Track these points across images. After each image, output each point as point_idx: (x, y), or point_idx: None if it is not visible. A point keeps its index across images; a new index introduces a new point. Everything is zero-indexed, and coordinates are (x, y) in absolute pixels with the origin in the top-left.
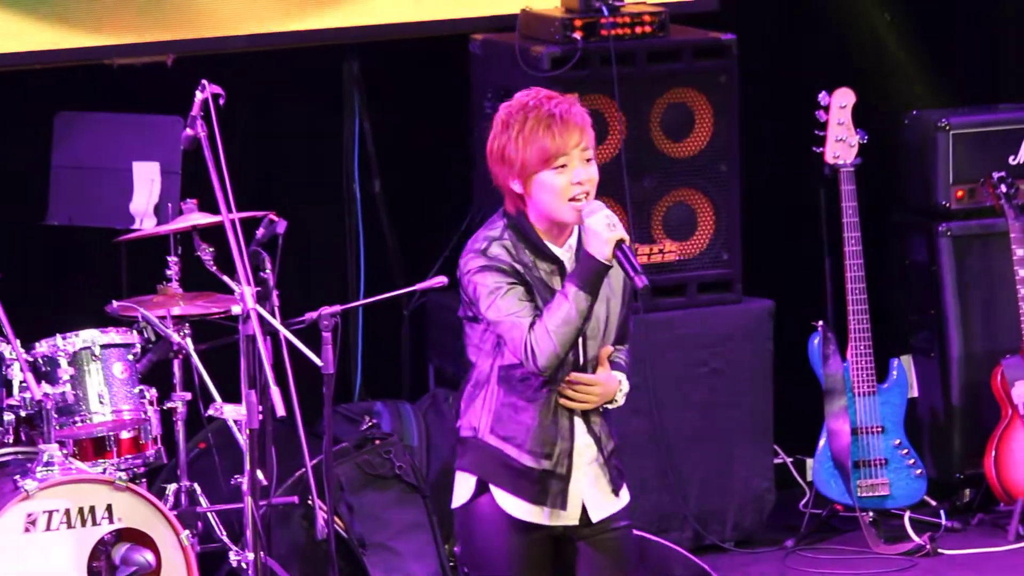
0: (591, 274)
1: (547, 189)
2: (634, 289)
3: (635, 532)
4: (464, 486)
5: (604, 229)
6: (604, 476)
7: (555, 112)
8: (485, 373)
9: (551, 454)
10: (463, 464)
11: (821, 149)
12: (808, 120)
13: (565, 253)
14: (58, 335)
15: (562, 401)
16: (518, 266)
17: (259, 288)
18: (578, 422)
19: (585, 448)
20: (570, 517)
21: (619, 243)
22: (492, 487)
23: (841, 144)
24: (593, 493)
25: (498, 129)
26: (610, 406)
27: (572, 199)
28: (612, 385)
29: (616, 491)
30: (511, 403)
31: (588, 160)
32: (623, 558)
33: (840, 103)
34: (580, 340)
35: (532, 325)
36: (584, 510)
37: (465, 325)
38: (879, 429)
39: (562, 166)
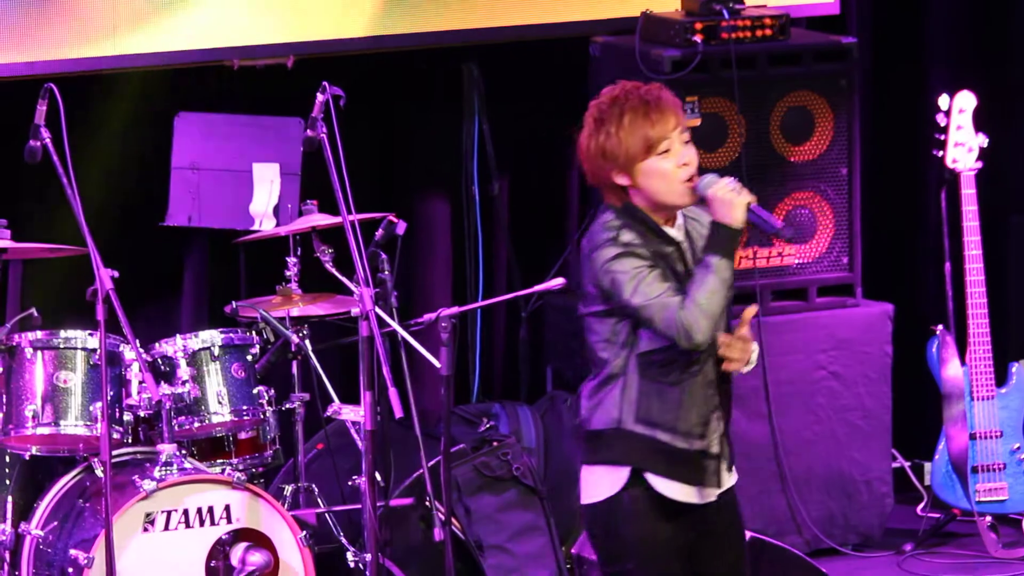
0: (728, 241)
1: (656, 175)
2: (785, 239)
3: (753, 535)
4: (607, 479)
5: (731, 195)
6: (729, 448)
7: (649, 99)
8: (620, 365)
9: (703, 434)
10: (604, 457)
11: (941, 152)
12: (929, 122)
13: (678, 235)
14: (178, 336)
15: (724, 365)
16: (649, 249)
17: (378, 289)
18: (719, 397)
19: (717, 423)
20: (714, 494)
21: (748, 206)
22: (648, 475)
23: (961, 148)
24: (725, 467)
25: (592, 127)
26: (746, 369)
27: (680, 180)
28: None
29: (732, 465)
30: (655, 389)
31: (686, 141)
32: (741, 532)
33: (960, 106)
34: None
35: (682, 303)
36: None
37: (592, 322)
38: (998, 433)
39: (665, 151)
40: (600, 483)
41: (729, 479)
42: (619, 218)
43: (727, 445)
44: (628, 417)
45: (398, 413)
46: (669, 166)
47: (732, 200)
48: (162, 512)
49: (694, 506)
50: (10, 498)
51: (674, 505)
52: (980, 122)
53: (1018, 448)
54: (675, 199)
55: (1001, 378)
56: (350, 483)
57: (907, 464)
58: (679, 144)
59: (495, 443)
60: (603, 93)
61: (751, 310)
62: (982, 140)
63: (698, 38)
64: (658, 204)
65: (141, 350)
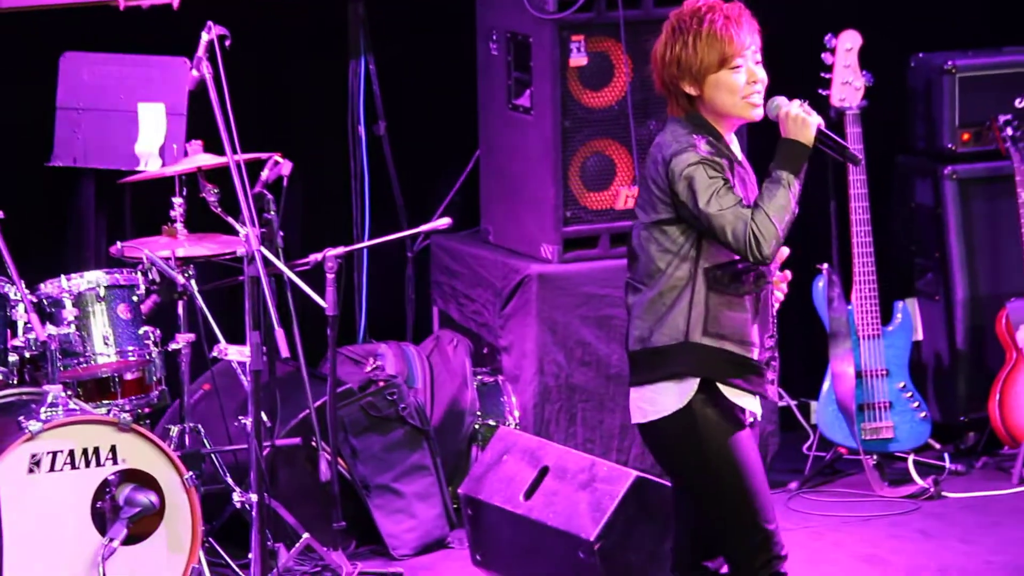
0: (798, 158)
1: (725, 88)
2: (851, 161)
3: (639, 474)
4: (674, 392)
5: (804, 114)
6: (777, 363)
7: (730, 15)
8: (683, 277)
9: (765, 345)
10: (670, 372)
11: (827, 92)
12: (815, 62)
13: (736, 150)
14: (63, 276)
15: (773, 300)
16: (723, 160)
17: (264, 229)
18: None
19: (772, 337)
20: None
21: (818, 127)
22: (721, 385)
23: (847, 87)
24: None
25: (669, 35)
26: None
27: (745, 97)
28: None
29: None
30: (724, 301)
31: (758, 61)
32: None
33: (846, 45)
34: None
35: (753, 214)
36: None
37: (652, 232)
38: (883, 372)
39: (737, 66)
40: (665, 398)
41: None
42: (690, 128)
43: (777, 360)
44: (696, 330)
45: (284, 353)
46: (740, 80)
47: (805, 119)
48: (47, 453)
49: (755, 416)
50: None
51: (740, 418)
52: (865, 61)
53: (903, 387)
54: (738, 112)
55: (887, 317)
56: (236, 423)
57: (793, 403)
58: (752, 63)
59: (381, 383)
60: (685, 4)
61: (785, 250)
62: (867, 79)
63: None
64: (722, 116)
65: (26, 291)
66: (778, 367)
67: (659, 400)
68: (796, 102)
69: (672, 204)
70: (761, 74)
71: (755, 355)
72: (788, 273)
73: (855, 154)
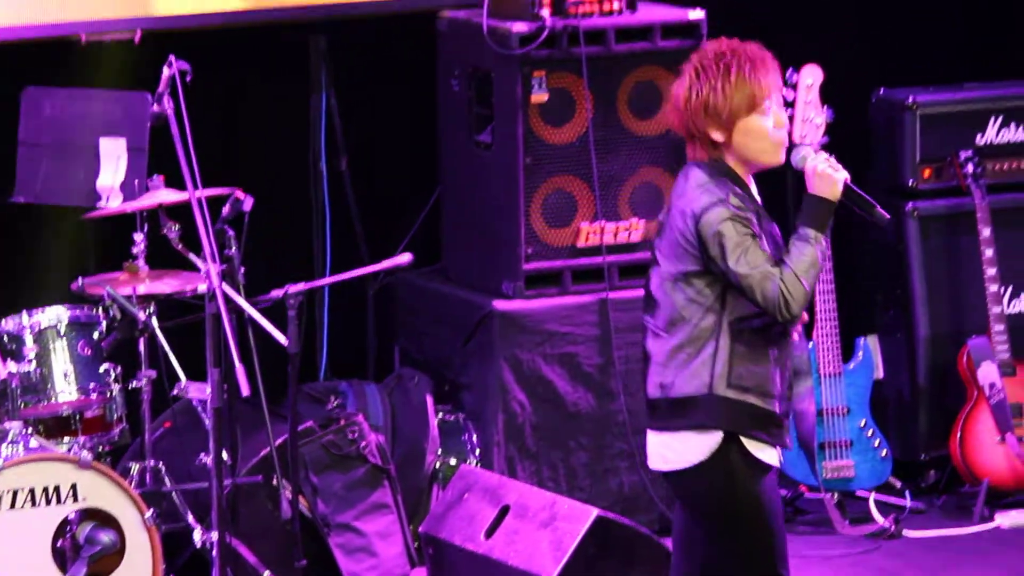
0: (825, 215)
1: (754, 134)
2: (878, 220)
3: (601, 513)
4: (697, 444)
5: (830, 170)
6: None
7: (755, 57)
8: (708, 328)
9: (788, 397)
10: (694, 422)
11: (788, 128)
12: None
13: (757, 197)
14: (24, 312)
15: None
16: (752, 215)
17: (225, 266)
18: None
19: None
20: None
21: (846, 182)
22: (743, 438)
23: (808, 123)
24: None
25: (691, 77)
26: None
27: (774, 142)
28: None
29: None
30: (749, 354)
31: (781, 104)
32: None
33: (807, 80)
34: None
35: (782, 274)
36: None
37: (678, 281)
38: (845, 410)
39: (766, 110)
40: (688, 448)
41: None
42: (714, 177)
43: None
44: (720, 382)
45: (245, 391)
46: (768, 124)
47: (832, 176)
48: (8, 491)
49: (776, 468)
50: None
51: (764, 466)
52: (826, 96)
53: (865, 425)
54: (766, 159)
55: (848, 354)
56: (197, 461)
57: None
58: (777, 106)
59: (342, 421)
60: (705, 47)
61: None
62: (829, 115)
63: (545, 12)
64: (749, 163)
65: None
66: None
67: (682, 450)
68: (822, 156)
69: (701, 258)
70: (786, 116)
71: (777, 408)
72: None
73: (883, 213)
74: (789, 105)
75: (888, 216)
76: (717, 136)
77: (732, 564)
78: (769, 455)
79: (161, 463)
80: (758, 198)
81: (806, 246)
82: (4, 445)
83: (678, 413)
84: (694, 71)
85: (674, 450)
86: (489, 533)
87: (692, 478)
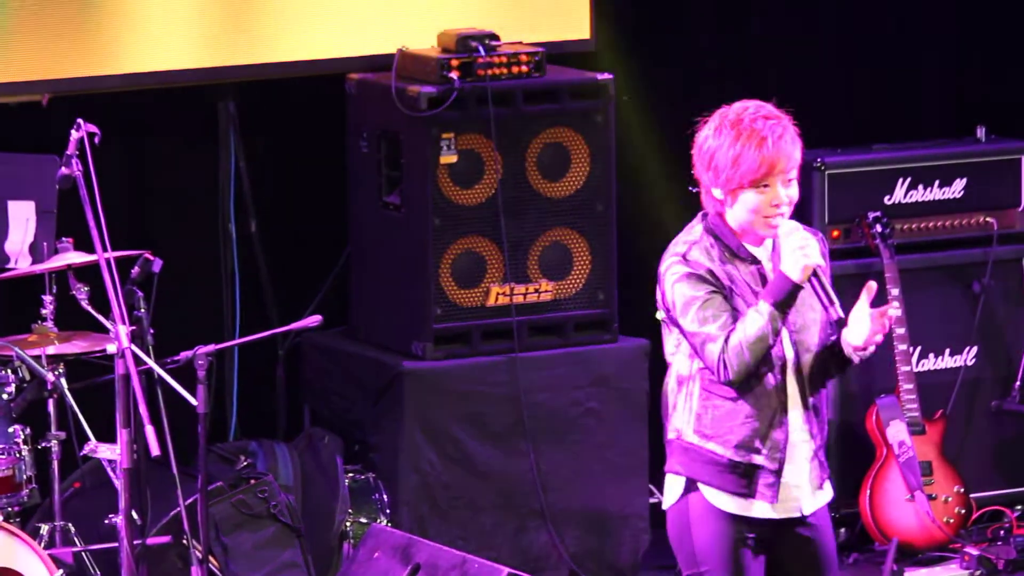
0: (785, 294)
1: (747, 206)
2: (836, 321)
3: (511, 573)
4: (673, 487)
5: (798, 254)
6: (816, 470)
7: (767, 136)
8: (684, 373)
9: (760, 449)
10: (671, 466)
11: (696, 189)
12: (687, 159)
13: (763, 252)
14: None
15: (856, 348)
16: (718, 271)
17: (134, 327)
18: (793, 415)
19: (801, 442)
20: (788, 510)
21: (813, 271)
22: (700, 484)
23: None
24: (807, 487)
25: (711, 131)
26: (871, 349)
27: (766, 216)
28: None
29: (822, 484)
30: (712, 403)
31: (790, 180)
32: (828, 550)
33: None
34: (792, 345)
35: (727, 339)
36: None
37: (663, 326)
38: None
39: (765, 186)
40: (668, 491)
41: (817, 498)
42: (701, 233)
43: (808, 463)
44: (688, 429)
45: (155, 451)
46: (762, 201)
47: (802, 260)
48: None
49: (754, 519)
50: None
51: (726, 515)
52: None
53: None
54: (754, 228)
55: None
56: (107, 521)
57: None
58: (780, 184)
59: (252, 481)
60: (735, 106)
61: (872, 285)
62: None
63: (454, 75)
64: (743, 228)
65: None
66: (808, 467)
67: (665, 490)
68: (796, 238)
69: (666, 308)
70: (787, 195)
71: (743, 458)
72: (871, 286)
73: (838, 312)
74: None
75: (842, 316)
76: (717, 194)
77: None
78: (731, 504)
79: (71, 524)
80: (763, 253)
81: (758, 319)
82: None
83: (668, 453)
84: (715, 125)
85: (663, 490)
86: None
87: (667, 520)
